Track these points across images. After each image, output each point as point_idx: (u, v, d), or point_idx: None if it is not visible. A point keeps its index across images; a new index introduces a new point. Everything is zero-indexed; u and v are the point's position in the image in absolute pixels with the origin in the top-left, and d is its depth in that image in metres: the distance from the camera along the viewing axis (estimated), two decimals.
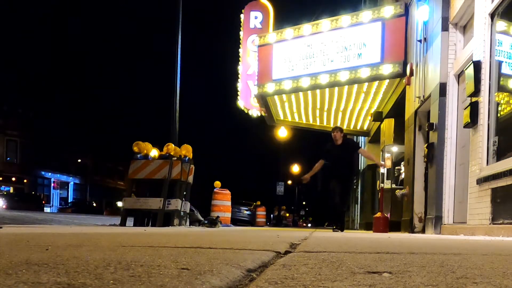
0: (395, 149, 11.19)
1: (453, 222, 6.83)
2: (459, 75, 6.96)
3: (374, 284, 1.13)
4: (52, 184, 45.78)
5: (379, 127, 12.73)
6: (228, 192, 11.78)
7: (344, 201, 8.59)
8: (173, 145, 8.50)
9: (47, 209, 39.73)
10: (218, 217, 10.08)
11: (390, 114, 11.52)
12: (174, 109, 11.53)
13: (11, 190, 39.55)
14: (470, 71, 5.87)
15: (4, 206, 28.59)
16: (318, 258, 1.80)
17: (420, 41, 8.36)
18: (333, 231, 7.79)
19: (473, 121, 5.78)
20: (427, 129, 7.76)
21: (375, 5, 13.89)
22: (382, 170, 10.84)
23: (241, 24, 17.27)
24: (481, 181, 5.50)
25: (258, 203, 24.15)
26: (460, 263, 1.70)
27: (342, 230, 8.01)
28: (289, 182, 49.32)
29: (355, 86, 11.16)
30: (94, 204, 42.05)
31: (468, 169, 6.07)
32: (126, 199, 8.12)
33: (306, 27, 10.73)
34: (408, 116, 9.21)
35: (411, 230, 8.27)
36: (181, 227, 7.87)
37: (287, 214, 43.74)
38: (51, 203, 44.60)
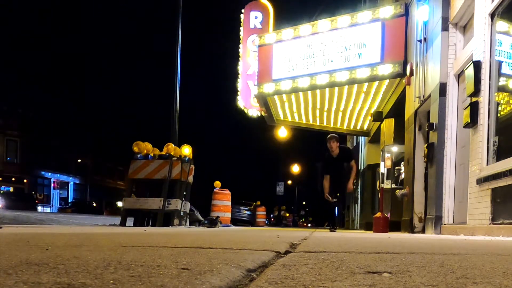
0: (395, 149, 11.18)
1: (453, 222, 6.82)
2: (459, 75, 6.96)
3: (374, 284, 1.13)
4: (52, 184, 45.77)
5: (379, 127, 12.72)
6: (228, 192, 11.77)
7: (341, 205, 8.92)
8: (173, 145, 8.51)
9: (47, 209, 39.80)
10: (218, 217, 10.08)
11: (390, 114, 11.52)
12: (174, 109, 11.54)
13: (11, 189, 39.58)
14: (470, 71, 5.87)
15: (0, 206, 28.76)
16: (318, 258, 1.80)
17: (420, 41, 8.36)
18: (330, 231, 7.93)
19: (473, 121, 5.78)
20: (427, 129, 7.76)
21: (375, 5, 13.88)
22: (382, 170, 10.84)
23: (241, 24, 17.27)
24: (481, 181, 5.50)
25: (258, 203, 24.17)
26: (460, 263, 1.70)
27: (335, 229, 8.37)
28: (289, 182, 49.33)
29: (355, 86, 11.16)
30: (94, 204, 42.07)
31: (468, 169, 6.07)
32: (126, 199, 8.13)
33: (306, 27, 10.73)
34: (408, 116, 9.21)
35: (411, 230, 8.27)
36: (181, 227, 7.88)
37: (287, 214, 43.75)
38: (51, 203, 44.61)
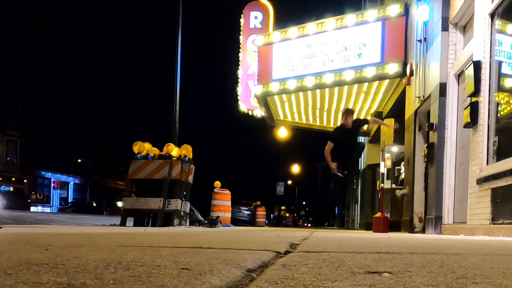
0: (395, 149, 11.18)
1: (453, 222, 6.82)
2: (459, 75, 6.96)
3: (374, 284, 1.13)
4: (52, 184, 45.77)
5: (379, 127, 12.72)
6: (228, 192, 11.77)
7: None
8: (173, 145, 8.51)
9: (47, 209, 39.78)
10: (218, 217, 10.08)
11: (390, 114, 11.52)
12: (174, 109, 11.54)
13: (11, 189, 39.61)
14: (470, 71, 5.86)
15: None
16: (318, 258, 1.80)
17: (420, 41, 8.35)
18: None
19: (473, 121, 5.78)
20: (427, 129, 7.75)
21: (375, 5, 13.88)
22: (382, 170, 10.83)
23: (241, 24, 17.27)
24: (481, 181, 5.50)
25: (258, 203, 24.16)
26: (460, 263, 1.70)
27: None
28: (289, 182, 49.35)
29: (355, 86, 11.15)
30: (94, 204, 42.05)
31: (468, 169, 6.07)
32: (126, 199, 8.13)
33: (305, 27, 10.71)
34: (408, 116, 9.21)
35: (411, 230, 8.26)
36: (181, 227, 7.88)
37: (287, 214, 43.83)
38: (51, 203, 44.61)
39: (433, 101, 7.48)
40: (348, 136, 8.33)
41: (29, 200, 37.09)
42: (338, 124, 8.42)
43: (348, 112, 8.44)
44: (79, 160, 48.89)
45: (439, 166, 7.09)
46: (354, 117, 8.65)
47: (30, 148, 40.87)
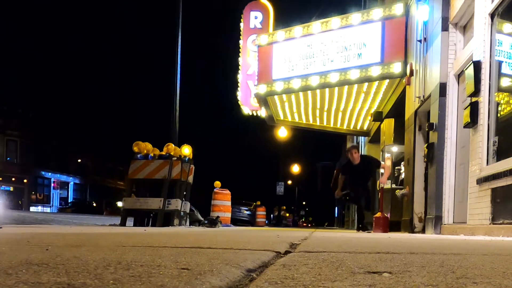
0: (395, 149, 11.18)
1: (453, 222, 6.82)
2: (459, 75, 6.96)
3: (374, 284, 1.13)
4: (52, 184, 45.77)
5: (379, 127, 12.72)
6: (228, 192, 11.77)
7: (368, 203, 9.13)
8: (173, 145, 8.51)
9: (47, 209, 39.77)
10: (218, 217, 10.08)
11: (390, 114, 11.51)
12: (174, 109, 11.55)
13: (11, 189, 39.63)
14: (470, 71, 5.86)
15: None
16: (318, 258, 1.80)
17: (420, 41, 8.35)
18: (362, 231, 8.11)
19: (473, 121, 5.78)
20: (427, 129, 7.76)
21: (375, 5, 13.86)
22: (382, 171, 10.84)
23: (241, 24, 17.27)
24: (481, 181, 5.50)
25: (258, 203, 24.16)
26: (460, 263, 1.70)
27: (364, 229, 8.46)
28: (289, 182, 49.30)
29: (355, 86, 11.14)
30: (94, 204, 42.04)
31: (468, 169, 6.07)
32: (126, 199, 8.13)
33: (305, 27, 10.71)
34: (408, 116, 9.21)
35: (411, 230, 8.26)
36: (181, 227, 7.88)
37: (287, 214, 43.80)
38: (51, 203, 44.61)
39: (433, 101, 7.48)
40: (358, 173, 8.33)
41: (20, 202, 37.13)
42: (345, 162, 8.51)
43: (352, 148, 8.51)
44: (79, 160, 48.90)
45: (439, 166, 7.09)
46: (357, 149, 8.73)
47: (30, 148, 40.88)
